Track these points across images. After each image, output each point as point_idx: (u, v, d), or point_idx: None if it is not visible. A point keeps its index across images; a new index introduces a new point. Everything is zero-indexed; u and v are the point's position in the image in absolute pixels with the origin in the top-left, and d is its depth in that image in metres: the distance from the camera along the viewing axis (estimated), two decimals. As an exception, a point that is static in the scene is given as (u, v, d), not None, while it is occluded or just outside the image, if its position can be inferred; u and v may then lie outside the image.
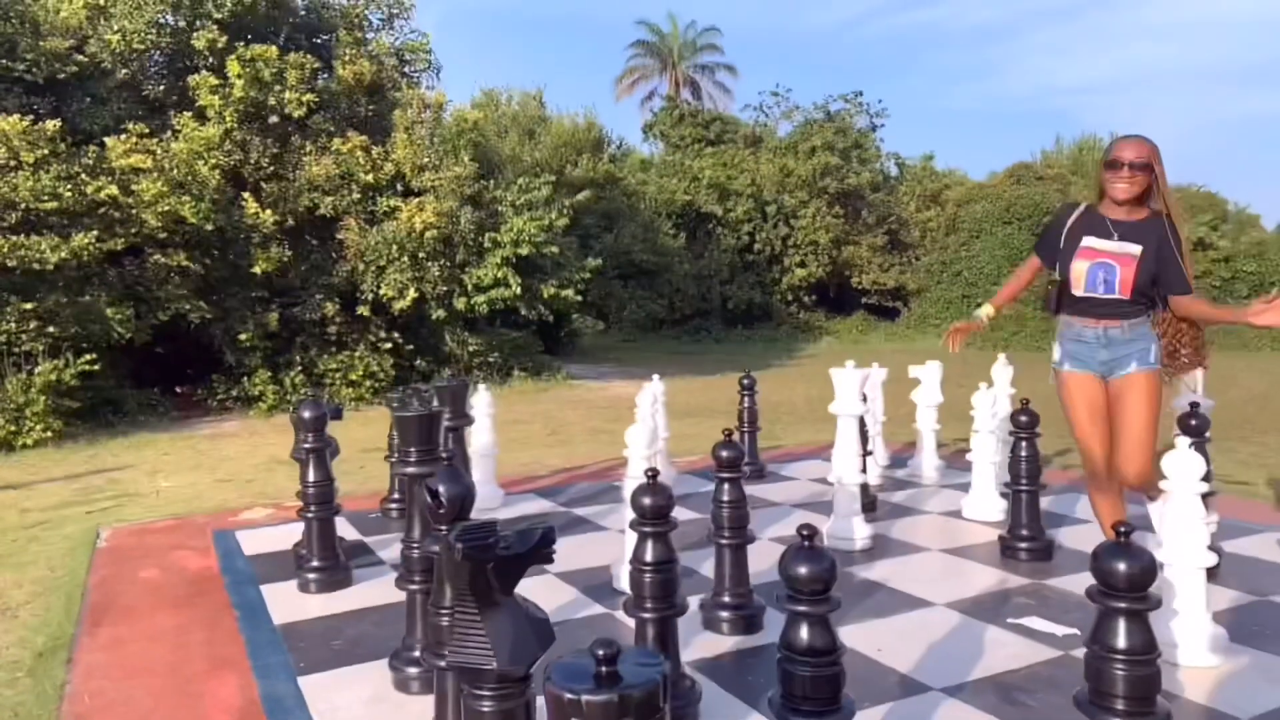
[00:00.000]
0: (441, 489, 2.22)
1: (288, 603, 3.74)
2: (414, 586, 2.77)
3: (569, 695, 1.29)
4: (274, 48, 11.40)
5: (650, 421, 5.07)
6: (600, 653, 1.32)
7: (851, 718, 1.86)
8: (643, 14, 74.61)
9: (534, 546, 1.79)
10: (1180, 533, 3.01)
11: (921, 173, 29.65)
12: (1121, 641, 1.86)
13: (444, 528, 2.27)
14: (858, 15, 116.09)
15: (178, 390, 11.90)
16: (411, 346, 12.98)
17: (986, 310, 4.00)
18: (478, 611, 1.73)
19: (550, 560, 1.83)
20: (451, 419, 4.47)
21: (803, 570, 1.83)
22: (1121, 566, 1.87)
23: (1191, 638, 2.98)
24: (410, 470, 2.74)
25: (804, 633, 1.84)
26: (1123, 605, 1.86)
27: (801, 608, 1.84)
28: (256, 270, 11.06)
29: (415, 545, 2.75)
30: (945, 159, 68.84)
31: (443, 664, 2.27)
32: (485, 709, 1.71)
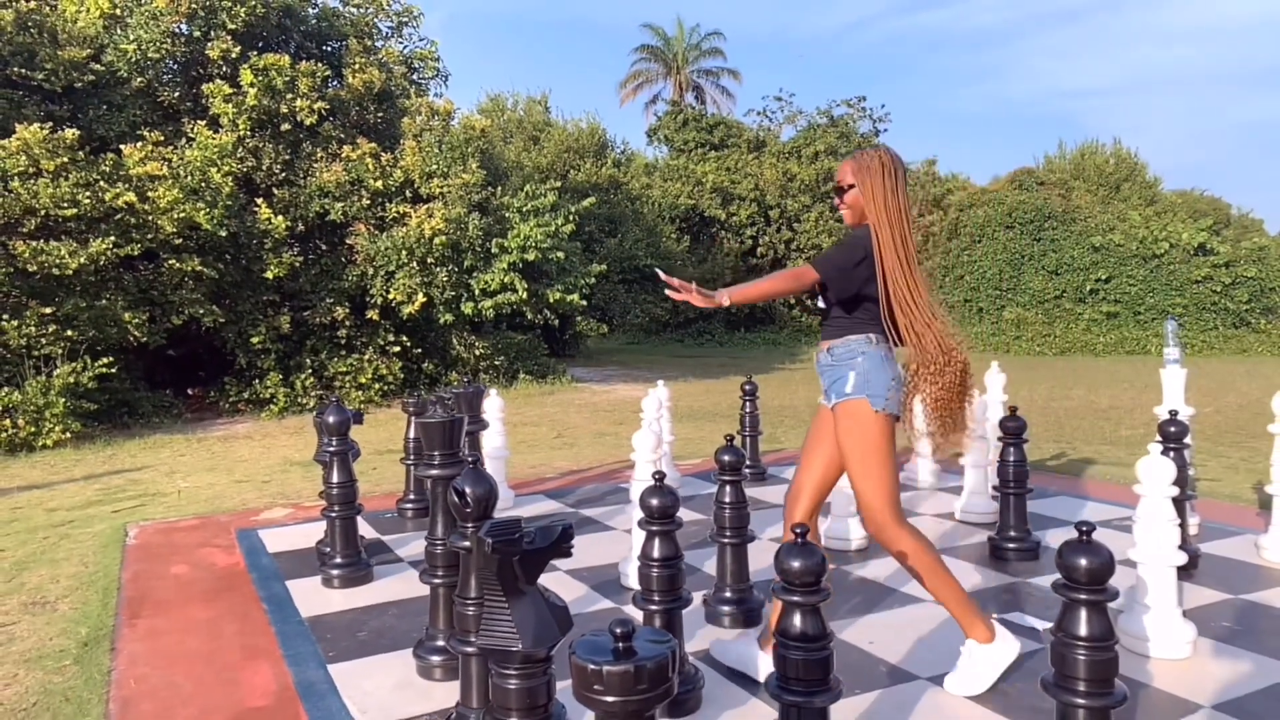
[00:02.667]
0: (468, 489, 2.43)
1: (313, 597, 3.97)
2: (438, 580, 2.99)
3: (591, 666, 1.51)
4: (286, 56, 11.62)
5: (656, 426, 5.29)
6: (618, 630, 1.54)
7: (839, 698, 2.07)
8: (647, 18, 74.75)
9: (555, 541, 2.01)
10: (1152, 532, 3.23)
11: (924, 177, 29.80)
12: (1083, 630, 2.06)
13: (469, 525, 2.48)
14: (860, 19, 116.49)
15: (189, 392, 12.14)
16: (419, 350, 13.22)
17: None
18: (505, 600, 1.94)
19: (569, 554, 2.05)
20: (468, 423, 4.67)
21: (796, 564, 2.04)
22: (1083, 562, 2.07)
23: (1162, 632, 3.19)
24: (434, 472, 2.94)
25: (797, 620, 2.04)
26: (1083, 597, 2.07)
27: (795, 598, 2.04)
28: (268, 275, 11.29)
29: (439, 542, 2.96)
30: (948, 163, 69.02)
31: (471, 648, 2.48)
32: (511, 686, 1.93)
